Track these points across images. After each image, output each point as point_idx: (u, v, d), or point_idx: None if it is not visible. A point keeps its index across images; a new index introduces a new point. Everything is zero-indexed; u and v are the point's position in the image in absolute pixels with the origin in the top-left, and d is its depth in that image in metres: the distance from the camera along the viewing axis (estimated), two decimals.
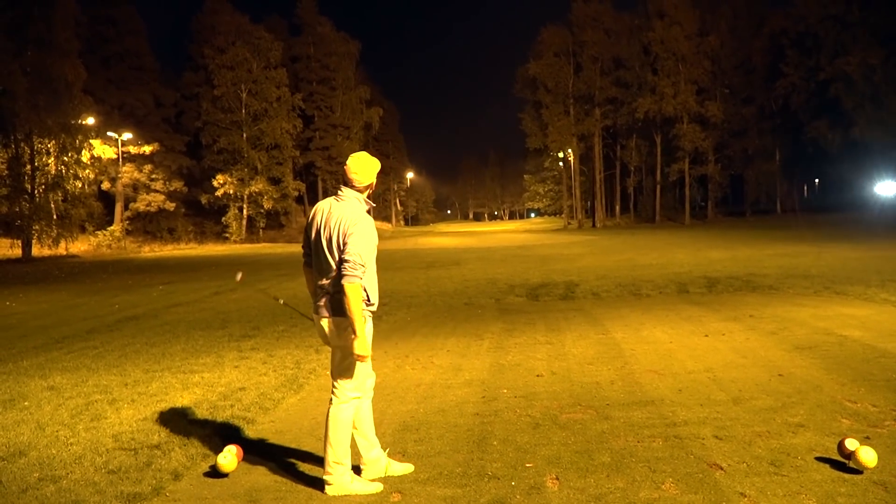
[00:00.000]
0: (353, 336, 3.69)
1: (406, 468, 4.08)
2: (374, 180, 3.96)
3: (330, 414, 3.87)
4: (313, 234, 3.88)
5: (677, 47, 59.55)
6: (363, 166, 3.91)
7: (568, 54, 65.20)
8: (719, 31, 61.18)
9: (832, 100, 50.57)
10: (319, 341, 8.66)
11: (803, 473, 3.76)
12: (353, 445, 3.96)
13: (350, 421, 3.89)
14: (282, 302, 5.63)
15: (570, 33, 65.04)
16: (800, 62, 54.17)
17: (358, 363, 3.81)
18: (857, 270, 14.22)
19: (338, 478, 3.82)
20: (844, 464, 3.81)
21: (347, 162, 3.95)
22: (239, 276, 5.33)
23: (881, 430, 4.38)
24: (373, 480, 3.93)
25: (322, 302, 3.84)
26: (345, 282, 3.62)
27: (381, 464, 4.04)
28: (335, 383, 3.90)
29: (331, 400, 3.91)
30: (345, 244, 3.67)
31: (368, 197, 3.95)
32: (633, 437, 4.46)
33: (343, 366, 3.86)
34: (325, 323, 3.86)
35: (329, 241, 3.75)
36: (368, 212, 3.89)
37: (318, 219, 3.87)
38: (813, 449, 4.10)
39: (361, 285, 3.68)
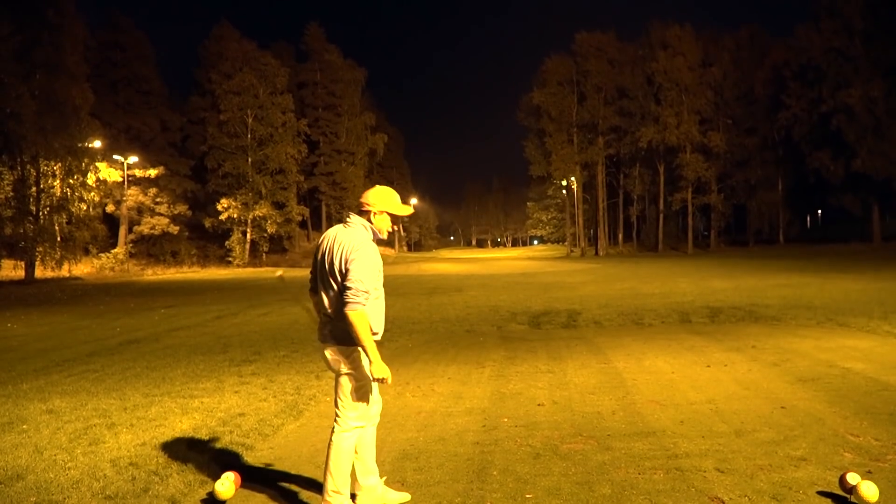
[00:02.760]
0: (367, 362, 3.67)
1: (403, 497, 4.05)
2: (394, 210, 3.89)
3: (332, 442, 3.81)
4: (318, 260, 3.87)
5: (680, 78, 60.03)
6: (378, 193, 3.89)
7: (571, 83, 65.70)
8: (722, 62, 61.71)
9: (834, 131, 50.77)
10: (320, 367, 8.65)
11: None
12: (352, 472, 3.92)
13: (351, 450, 3.83)
14: (279, 274, 5.64)
15: (573, 63, 65.63)
16: (802, 94, 54.49)
17: (365, 390, 3.79)
18: (860, 302, 14.18)
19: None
20: (846, 498, 3.78)
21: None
22: (279, 272, 5.34)
23: (883, 465, 4.35)
24: None
25: (327, 330, 3.81)
26: (348, 309, 3.55)
27: (377, 492, 3.99)
28: (338, 411, 3.82)
29: (333, 428, 3.84)
30: (347, 270, 3.63)
31: (393, 223, 3.92)
32: (634, 469, 4.43)
33: (349, 394, 3.78)
34: (328, 352, 3.81)
35: (331, 266, 3.72)
36: (382, 240, 3.90)
37: (324, 245, 3.85)
38: (815, 483, 4.07)
39: (365, 312, 3.60)
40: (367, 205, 3.83)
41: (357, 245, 3.68)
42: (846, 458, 4.51)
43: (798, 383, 6.81)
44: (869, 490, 3.66)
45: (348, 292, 3.57)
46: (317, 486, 4.35)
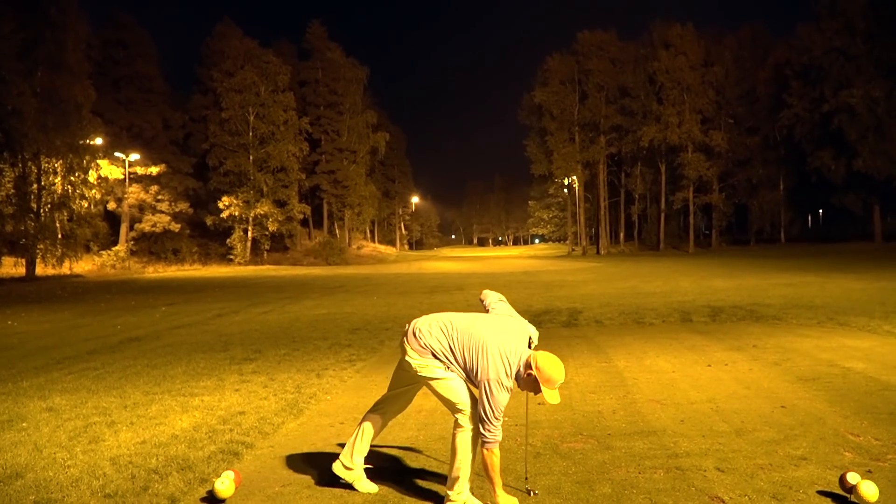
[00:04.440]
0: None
1: (371, 488, 4.18)
2: (540, 383, 3.70)
3: (454, 439, 3.90)
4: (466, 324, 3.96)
5: (682, 77, 59.99)
6: (551, 367, 3.71)
7: (573, 82, 65.65)
8: (724, 61, 61.65)
9: (836, 131, 50.71)
10: (321, 365, 8.66)
11: None
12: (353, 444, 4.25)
13: (469, 447, 3.82)
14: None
15: (575, 62, 65.57)
16: (804, 93, 54.41)
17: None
18: (861, 302, 14.17)
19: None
20: (846, 498, 3.77)
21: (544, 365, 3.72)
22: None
23: (883, 464, 4.34)
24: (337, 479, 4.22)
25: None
26: (485, 442, 3.72)
27: (355, 473, 4.23)
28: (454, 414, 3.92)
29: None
30: (484, 387, 3.69)
31: (531, 387, 3.78)
32: (634, 468, 4.43)
33: (443, 400, 3.94)
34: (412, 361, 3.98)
35: (467, 352, 3.83)
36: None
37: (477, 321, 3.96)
38: (815, 482, 4.07)
39: (496, 450, 3.72)
40: (531, 369, 3.72)
41: (494, 374, 3.72)
42: (846, 457, 4.51)
43: (799, 383, 6.81)
44: (869, 489, 3.65)
45: (483, 425, 3.71)
46: (317, 485, 4.35)
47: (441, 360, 3.86)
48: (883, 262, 29.94)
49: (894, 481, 4.02)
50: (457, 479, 3.81)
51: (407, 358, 3.94)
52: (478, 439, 3.75)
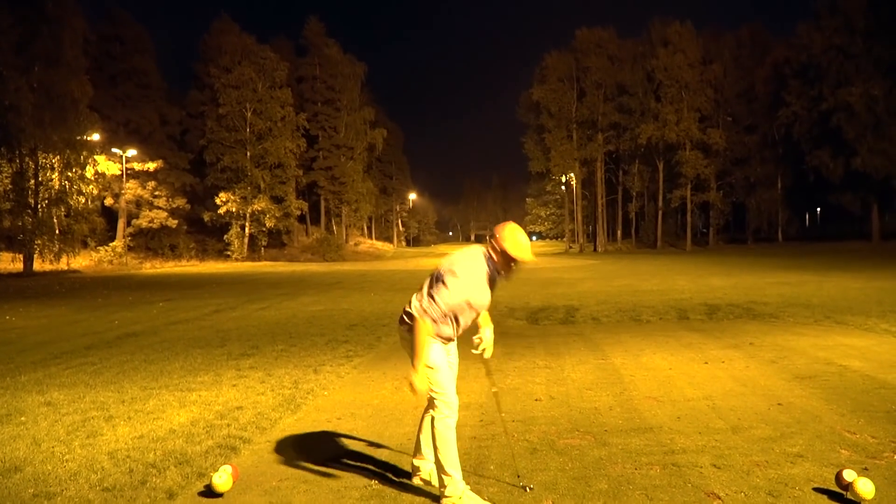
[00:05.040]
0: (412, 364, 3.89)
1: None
2: (514, 257, 3.84)
3: (433, 426, 4.01)
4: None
5: (680, 75, 59.99)
6: (511, 237, 3.86)
7: (571, 80, 65.64)
8: (722, 59, 61.66)
9: (834, 130, 50.76)
10: (318, 361, 8.67)
11: None
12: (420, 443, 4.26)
13: (447, 435, 3.91)
14: None
15: (573, 59, 65.54)
16: (802, 92, 54.44)
17: (432, 377, 3.91)
18: (858, 301, 14.20)
19: (450, 489, 3.90)
20: (842, 495, 3.79)
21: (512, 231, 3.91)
22: None
23: (879, 462, 4.36)
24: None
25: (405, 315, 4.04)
26: (417, 314, 3.85)
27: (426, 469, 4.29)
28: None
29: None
30: (438, 279, 3.90)
31: (500, 267, 3.91)
32: (630, 465, 4.44)
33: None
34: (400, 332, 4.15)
35: (436, 269, 3.99)
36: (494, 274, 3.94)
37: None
38: (811, 479, 4.08)
39: (430, 325, 3.84)
40: (497, 240, 3.88)
41: (458, 266, 3.91)
42: (843, 455, 4.53)
43: (795, 380, 6.83)
44: (865, 487, 3.67)
45: (426, 301, 3.90)
46: (313, 480, 4.36)
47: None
48: (880, 261, 30.00)
49: (890, 479, 4.04)
50: (442, 470, 3.90)
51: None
52: (453, 426, 3.92)
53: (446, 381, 3.96)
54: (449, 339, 4.05)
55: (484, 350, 4.20)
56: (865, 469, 4.17)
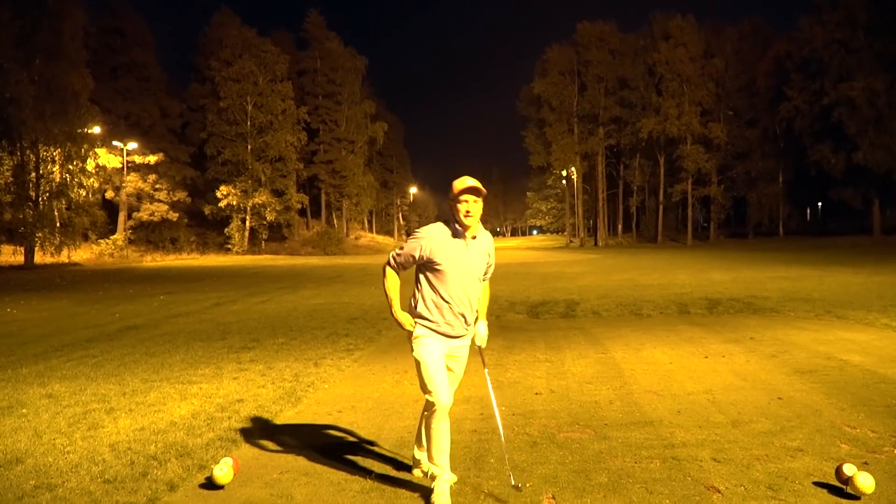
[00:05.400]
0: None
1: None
2: (454, 190, 3.94)
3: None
4: None
5: (682, 69, 59.90)
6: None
7: (573, 73, 65.56)
8: (724, 53, 61.54)
9: (835, 124, 50.70)
10: (319, 354, 8.68)
11: (801, 498, 3.74)
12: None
13: (432, 431, 3.85)
14: None
15: (575, 53, 65.44)
16: (804, 86, 54.37)
17: (418, 371, 3.92)
18: (859, 295, 14.20)
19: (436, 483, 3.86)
20: (842, 489, 3.79)
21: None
22: None
23: (879, 456, 4.36)
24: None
25: None
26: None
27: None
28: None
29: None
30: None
31: (455, 215, 3.94)
32: (630, 458, 4.45)
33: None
34: None
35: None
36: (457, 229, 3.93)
37: None
38: (811, 473, 4.08)
39: (385, 270, 4.08)
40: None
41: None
42: (843, 449, 4.53)
43: (795, 375, 6.83)
44: (865, 481, 3.67)
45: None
46: (313, 473, 4.36)
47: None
48: (881, 255, 29.99)
49: (891, 473, 4.04)
50: (430, 459, 3.92)
51: None
52: (441, 426, 3.84)
53: (433, 378, 3.83)
54: (448, 335, 3.96)
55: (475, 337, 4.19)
56: (865, 463, 4.17)
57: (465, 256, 3.89)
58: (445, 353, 3.98)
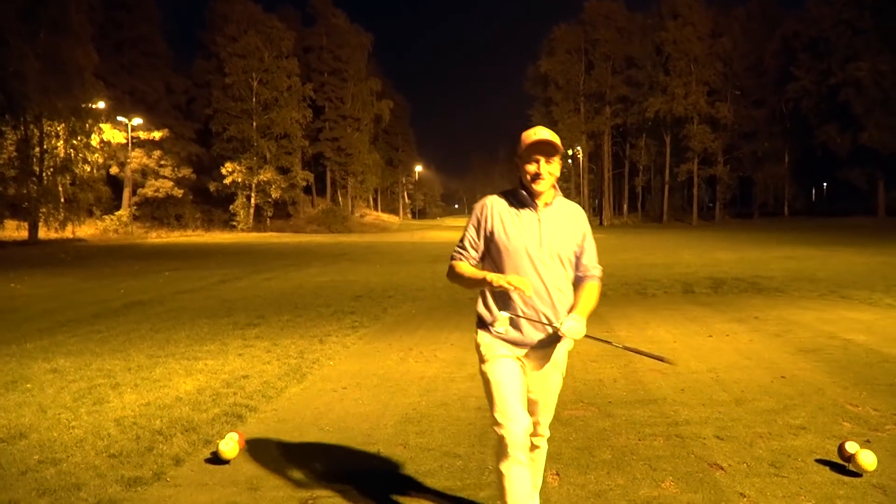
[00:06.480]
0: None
1: None
2: (523, 144, 2.93)
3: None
4: None
5: (690, 48, 59.41)
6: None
7: (580, 52, 65.09)
8: (732, 33, 60.96)
9: (842, 104, 50.33)
10: (324, 331, 8.70)
11: (803, 475, 3.75)
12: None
13: (502, 470, 2.86)
14: None
15: (582, 31, 64.93)
16: (811, 66, 53.92)
17: (485, 389, 3.00)
18: (863, 275, 14.17)
19: None
20: (844, 466, 3.80)
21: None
22: None
23: (882, 434, 4.37)
24: None
25: None
26: None
27: None
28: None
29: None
30: None
31: (521, 178, 3.00)
32: (634, 436, 4.46)
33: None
34: None
35: None
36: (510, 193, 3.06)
37: None
38: (813, 451, 4.10)
39: (451, 266, 3.11)
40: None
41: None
42: (845, 427, 4.54)
43: (799, 354, 6.83)
44: (867, 459, 3.68)
45: None
46: (319, 448, 4.39)
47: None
48: (886, 236, 29.88)
49: (892, 451, 4.05)
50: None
51: None
52: (515, 471, 2.84)
53: (501, 402, 2.87)
54: (520, 343, 2.96)
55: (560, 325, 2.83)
56: (868, 441, 4.18)
57: (537, 231, 2.92)
58: (520, 368, 2.99)
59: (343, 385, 6.04)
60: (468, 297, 12.12)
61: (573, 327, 2.79)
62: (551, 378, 3.10)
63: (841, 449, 3.86)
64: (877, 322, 8.62)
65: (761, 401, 5.22)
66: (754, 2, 64.94)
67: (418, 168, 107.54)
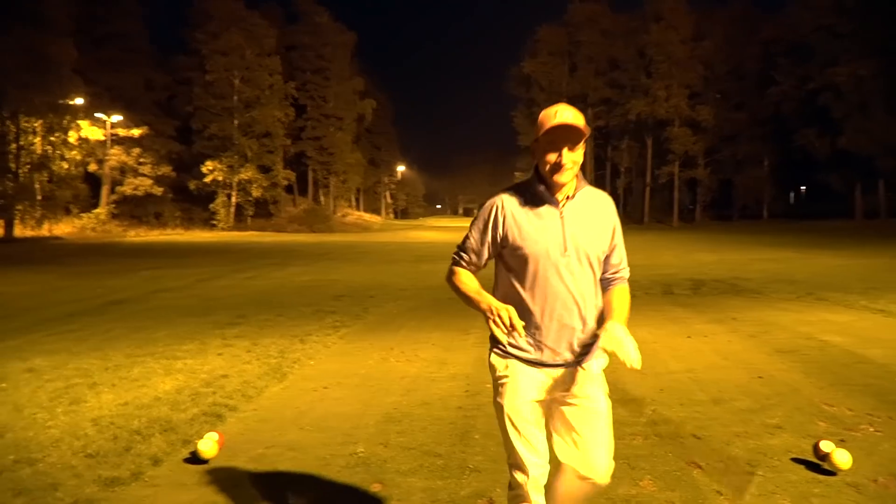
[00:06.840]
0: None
1: None
2: (542, 128, 2.42)
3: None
4: None
5: (672, 51, 59.76)
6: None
7: (563, 54, 65.26)
8: (714, 36, 61.43)
9: (822, 109, 50.91)
10: (304, 331, 8.66)
11: (779, 474, 3.80)
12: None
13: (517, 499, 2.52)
14: None
15: (566, 33, 65.12)
16: (791, 71, 54.46)
17: (499, 421, 2.60)
18: (840, 277, 14.33)
19: None
20: (819, 465, 3.85)
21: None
22: None
23: (856, 434, 4.43)
24: None
25: None
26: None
27: None
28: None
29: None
30: None
31: (539, 168, 2.51)
32: (614, 435, 4.48)
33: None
34: None
35: None
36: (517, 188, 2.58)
37: None
38: (789, 450, 4.15)
39: (451, 270, 2.64)
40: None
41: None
42: (820, 426, 4.60)
43: (776, 354, 6.90)
44: (842, 458, 3.74)
45: None
46: (299, 447, 4.38)
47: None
48: (863, 239, 30.25)
49: (866, 450, 4.11)
50: None
51: None
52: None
53: (515, 438, 2.50)
54: (545, 364, 2.50)
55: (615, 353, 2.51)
56: (842, 441, 4.23)
57: (559, 231, 2.47)
58: (546, 396, 2.54)
59: (324, 384, 6.03)
60: (449, 297, 12.12)
61: (615, 337, 2.51)
62: (588, 403, 2.56)
63: (816, 448, 3.91)
64: (853, 323, 8.72)
65: (739, 401, 5.27)
66: (736, 6, 65.49)
67: (401, 168, 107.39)
